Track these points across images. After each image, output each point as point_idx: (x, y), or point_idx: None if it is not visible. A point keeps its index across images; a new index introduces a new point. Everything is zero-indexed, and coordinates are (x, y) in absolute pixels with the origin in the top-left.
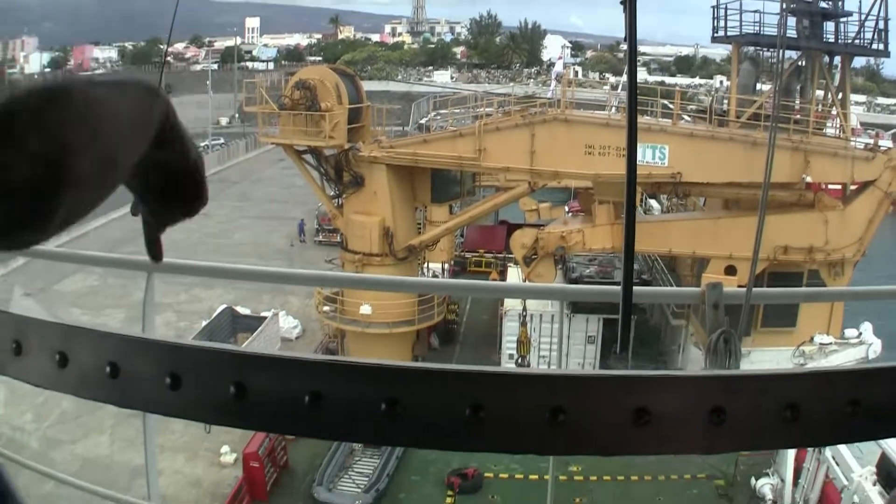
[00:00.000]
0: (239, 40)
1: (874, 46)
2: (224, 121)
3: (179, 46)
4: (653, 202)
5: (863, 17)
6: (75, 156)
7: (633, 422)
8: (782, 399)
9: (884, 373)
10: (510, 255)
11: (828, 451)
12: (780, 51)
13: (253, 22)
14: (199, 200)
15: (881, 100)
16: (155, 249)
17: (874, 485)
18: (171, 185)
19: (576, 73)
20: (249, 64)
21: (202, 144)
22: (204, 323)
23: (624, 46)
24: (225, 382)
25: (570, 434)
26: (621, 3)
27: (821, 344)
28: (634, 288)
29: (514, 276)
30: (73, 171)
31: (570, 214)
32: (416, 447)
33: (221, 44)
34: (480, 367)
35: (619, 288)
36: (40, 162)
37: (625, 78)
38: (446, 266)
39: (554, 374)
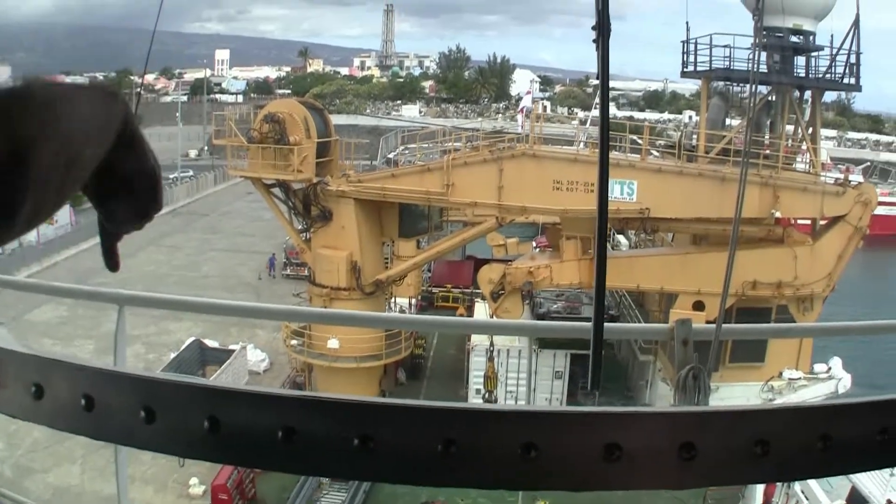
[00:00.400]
0: (208, 72)
1: (846, 81)
2: (193, 153)
3: (149, 77)
4: (621, 238)
5: (834, 51)
6: (38, 151)
7: (605, 458)
8: (753, 434)
9: (854, 408)
10: (477, 291)
11: (797, 486)
12: (752, 86)
13: (223, 54)
14: (154, 204)
15: (852, 134)
16: (111, 259)
17: None
18: (128, 188)
19: (544, 107)
20: (219, 96)
21: (171, 176)
22: (172, 355)
23: (594, 81)
24: (199, 416)
25: (541, 470)
26: (593, 41)
27: (790, 379)
28: (605, 324)
29: (482, 311)
30: (36, 166)
31: (537, 250)
32: (389, 482)
33: (191, 75)
34: (452, 404)
35: (590, 324)
36: (4, 155)
37: (594, 113)
38: (413, 301)
39: (525, 410)
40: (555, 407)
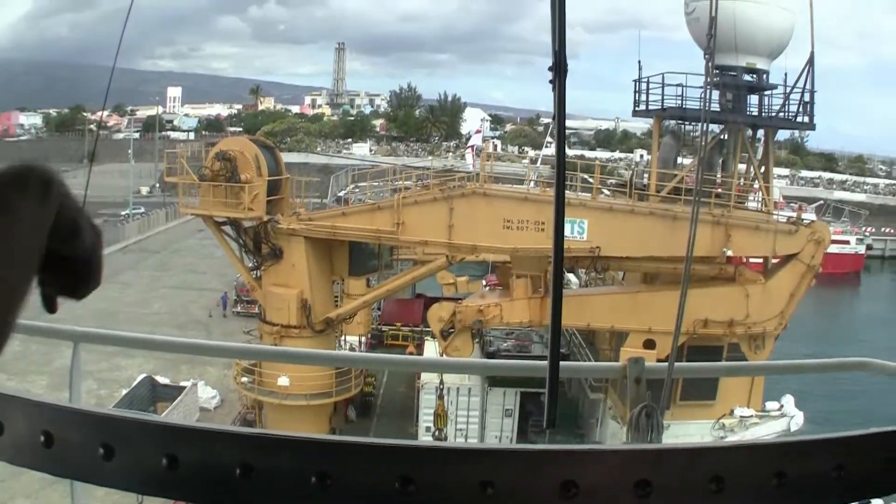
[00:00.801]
0: (161, 109)
1: (799, 119)
2: (145, 190)
3: (103, 114)
4: (571, 276)
5: (788, 89)
6: None
7: (561, 495)
8: (708, 471)
9: (809, 445)
10: (427, 329)
11: None
12: (704, 124)
13: (175, 91)
14: (92, 284)
15: (805, 173)
16: (50, 307)
17: None
18: (65, 271)
19: (495, 146)
20: (171, 133)
21: (123, 213)
22: (125, 391)
23: (545, 120)
24: (157, 454)
25: None
26: (550, 81)
27: (741, 417)
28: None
29: (432, 349)
30: None
31: (487, 288)
32: None
33: (144, 112)
34: (410, 441)
35: (546, 363)
36: None
37: (545, 152)
38: (363, 339)
39: (482, 447)
40: (511, 444)
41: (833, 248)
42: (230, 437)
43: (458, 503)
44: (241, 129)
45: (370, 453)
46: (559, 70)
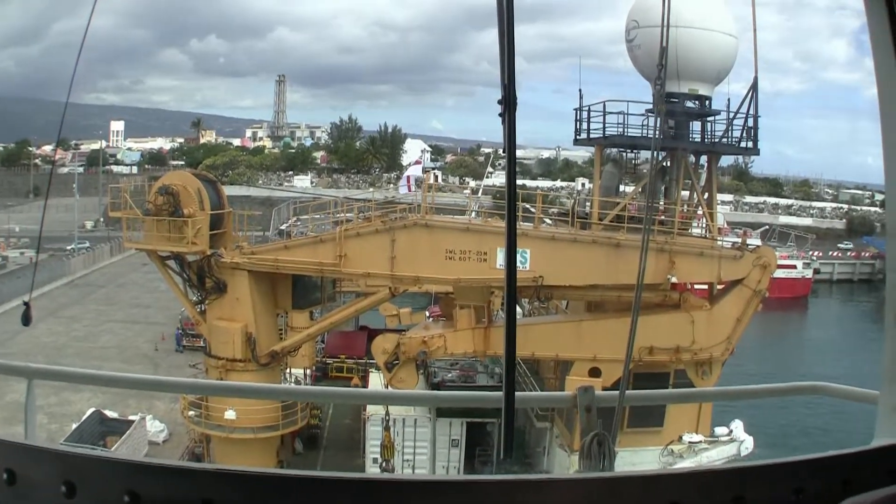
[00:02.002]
0: (104, 143)
1: (743, 144)
2: (89, 224)
3: (47, 149)
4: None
5: (731, 115)
6: None
7: None
8: (664, 498)
9: (767, 470)
10: (372, 361)
11: None
12: (654, 152)
13: (118, 125)
14: None
15: (749, 198)
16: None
17: None
18: None
19: (436, 177)
20: (114, 167)
21: (68, 248)
22: (74, 426)
23: (486, 150)
24: (118, 491)
25: None
26: (500, 114)
27: (690, 442)
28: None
29: (376, 381)
30: None
31: (431, 319)
32: None
33: (87, 146)
34: (363, 476)
35: (500, 394)
36: None
37: (486, 182)
38: (308, 372)
39: (434, 480)
40: (472, 476)
41: (780, 273)
42: (190, 473)
43: None
44: (183, 162)
45: (328, 488)
46: (508, 103)
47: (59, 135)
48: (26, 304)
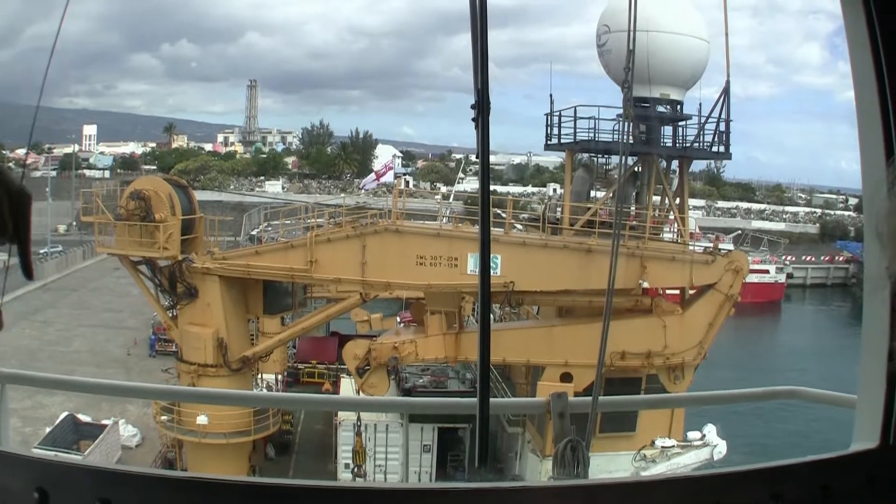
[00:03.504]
0: (77, 147)
1: (715, 149)
2: (62, 228)
3: (21, 152)
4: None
5: (703, 119)
6: None
7: None
8: None
9: (745, 476)
10: (343, 366)
11: None
12: (623, 157)
13: (90, 129)
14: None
15: (721, 203)
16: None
17: None
18: None
19: (407, 182)
20: (87, 171)
21: (41, 252)
22: (48, 430)
23: (457, 156)
24: (91, 498)
25: None
26: (473, 119)
27: (662, 447)
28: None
29: (348, 386)
30: None
31: (402, 325)
32: None
33: (60, 150)
34: (352, 485)
35: (473, 400)
36: None
37: (457, 187)
38: (280, 377)
39: (414, 488)
40: (438, 483)
41: (752, 278)
42: (164, 482)
43: None
44: (155, 167)
45: (317, 497)
46: (482, 108)
47: (31, 138)
48: None
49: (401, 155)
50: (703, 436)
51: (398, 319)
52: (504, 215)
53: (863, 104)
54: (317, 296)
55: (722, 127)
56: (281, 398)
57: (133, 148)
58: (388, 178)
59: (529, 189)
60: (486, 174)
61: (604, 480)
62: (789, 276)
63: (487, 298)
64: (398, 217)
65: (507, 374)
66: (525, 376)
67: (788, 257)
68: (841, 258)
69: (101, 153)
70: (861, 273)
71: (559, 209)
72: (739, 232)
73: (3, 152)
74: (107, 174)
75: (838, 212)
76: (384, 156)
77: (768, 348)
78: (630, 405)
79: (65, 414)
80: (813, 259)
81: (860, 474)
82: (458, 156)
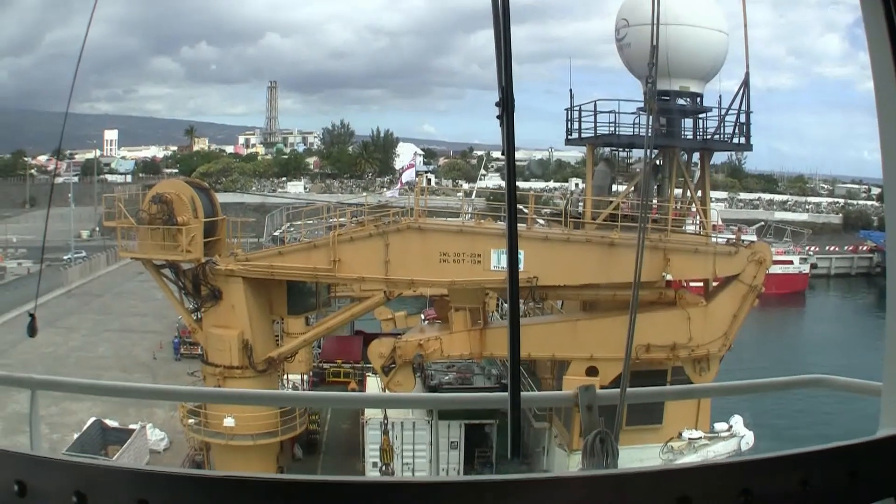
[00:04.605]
0: (98, 153)
1: (735, 141)
2: (85, 234)
3: (42, 159)
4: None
5: (723, 111)
6: None
7: None
8: (673, 493)
9: (774, 462)
10: (368, 365)
11: None
12: (648, 150)
13: (111, 134)
14: None
15: (743, 195)
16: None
17: None
18: None
19: (429, 180)
20: (108, 176)
21: (65, 258)
22: (76, 436)
23: (479, 153)
24: (128, 499)
25: None
26: (497, 116)
27: (690, 439)
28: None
29: (374, 385)
30: None
31: (426, 322)
32: None
33: (82, 156)
34: (381, 479)
35: (504, 394)
36: None
37: (479, 184)
38: (305, 377)
39: (442, 481)
40: (470, 476)
41: (776, 269)
42: (202, 481)
43: None
44: (176, 170)
45: (342, 493)
46: (507, 105)
47: (60, 145)
48: (31, 315)
49: (422, 153)
50: (730, 427)
51: (422, 317)
52: (526, 211)
53: (882, 93)
54: (341, 295)
55: (742, 118)
56: (308, 396)
57: (154, 152)
58: (411, 175)
59: (552, 184)
60: (513, 171)
61: (634, 469)
62: (813, 266)
63: (516, 287)
64: (420, 215)
65: (532, 369)
66: (550, 371)
67: (812, 248)
68: (865, 248)
69: (123, 158)
70: (885, 262)
71: (581, 203)
72: (762, 223)
73: (25, 159)
74: (128, 178)
75: (861, 201)
76: (406, 154)
77: (793, 339)
78: (657, 396)
79: (92, 419)
80: (836, 249)
81: (887, 460)
82: (479, 152)
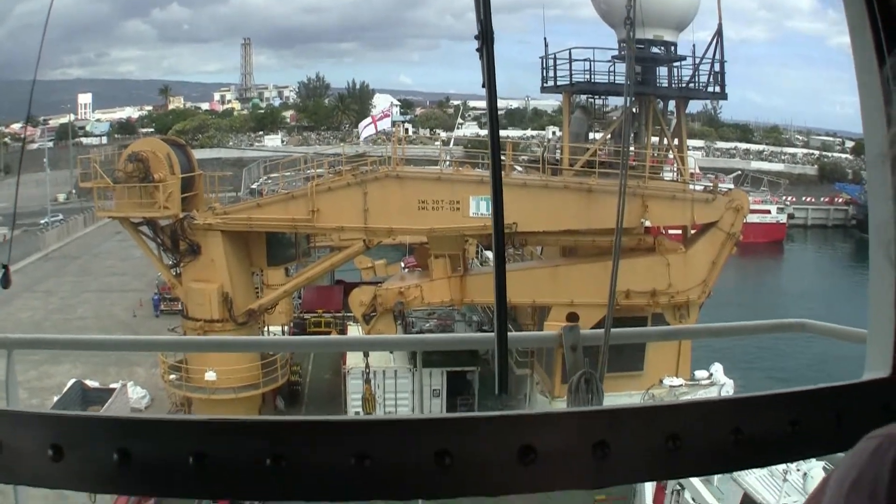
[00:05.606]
0: (72, 117)
1: (710, 90)
2: (62, 197)
3: (15, 127)
4: (489, 253)
5: (697, 60)
6: None
7: (519, 460)
8: (664, 430)
9: (764, 401)
10: (349, 314)
11: (687, 494)
12: (628, 97)
13: (85, 98)
14: None
15: (720, 144)
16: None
17: None
18: None
19: (406, 130)
20: (84, 139)
21: (42, 221)
22: (56, 398)
23: (455, 102)
24: (108, 449)
25: (456, 477)
26: (477, 49)
27: (670, 386)
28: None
29: (355, 334)
30: None
31: (406, 270)
32: (302, 500)
33: (56, 121)
34: (364, 417)
35: (491, 335)
36: None
37: (456, 133)
38: (286, 328)
39: (438, 417)
40: (467, 412)
41: (754, 218)
42: (181, 426)
43: (416, 474)
44: (153, 129)
45: (326, 431)
46: (486, 37)
47: (29, 110)
48: (4, 266)
49: (398, 103)
50: (710, 374)
51: (402, 265)
52: (504, 158)
53: (858, 45)
54: (320, 245)
55: (717, 68)
56: (290, 342)
57: (129, 113)
58: (387, 125)
59: (528, 132)
60: (494, 105)
61: (625, 405)
62: (790, 216)
63: (501, 233)
64: (398, 163)
65: (513, 315)
66: (532, 317)
67: (789, 198)
68: (840, 200)
69: (98, 120)
70: (860, 215)
71: (558, 151)
72: (739, 172)
73: None
74: (104, 140)
75: (836, 154)
76: (382, 105)
77: (773, 288)
78: (641, 337)
79: (72, 381)
80: (813, 200)
81: (873, 402)
82: (455, 102)
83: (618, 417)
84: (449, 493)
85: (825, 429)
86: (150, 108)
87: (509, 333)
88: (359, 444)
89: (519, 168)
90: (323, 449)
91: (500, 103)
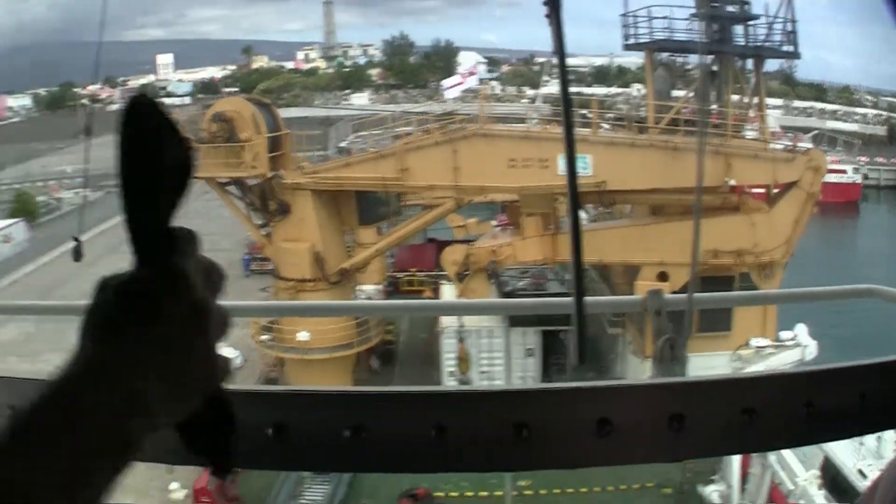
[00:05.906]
0: (153, 77)
1: (784, 48)
2: None
3: (93, 88)
4: (582, 213)
5: (770, 19)
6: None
7: (597, 433)
8: (739, 403)
9: (835, 374)
10: (441, 273)
11: (772, 456)
12: (702, 56)
13: (165, 58)
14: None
15: (798, 103)
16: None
17: (819, 488)
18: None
19: (493, 88)
20: (166, 100)
21: None
22: None
23: (540, 59)
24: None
25: (534, 450)
26: (546, 15)
27: (757, 347)
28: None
29: (448, 293)
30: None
31: (498, 228)
32: (381, 472)
33: (136, 82)
34: (441, 387)
35: (571, 300)
36: None
37: (543, 91)
38: (379, 287)
39: (516, 389)
40: (544, 384)
41: (831, 178)
42: (262, 397)
43: (494, 447)
44: (237, 89)
45: (404, 402)
46: (555, 3)
47: (98, 71)
48: (76, 239)
49: (485, 61)
50: (795, 336)
51: (494, 223)
52: (590, 116)
53: None
54: (411, 203)
55: (789, 27)
56: (381, 306)
57: (212, 73)
58: (473, 83)
59: (614, 90)
60: (564, 68)
61: (701, 377)
62: (865, 176)
63: (576, 195)
64: (485, 121)
65: (606, 274)
66: (623, 276)
67: (862, 158)
68: None
69: (180, 80)
70: None
71: (643, 108)
72: (816, 131)
73: (75, 90)
74: (187, 100)
75: None
76: (467, 63)
77: (850, 248)
78: (723, 302)
79: None
80: (885, 161)
81: None
82: (541, 59)
83: (694, 390)
84: (526, 467)
85: (893, 401)
86: (233, 67)
87: (592, 298)
88: (437, 417)
89: (606, 126)
90: (402, 421)
91: (585, 60)
